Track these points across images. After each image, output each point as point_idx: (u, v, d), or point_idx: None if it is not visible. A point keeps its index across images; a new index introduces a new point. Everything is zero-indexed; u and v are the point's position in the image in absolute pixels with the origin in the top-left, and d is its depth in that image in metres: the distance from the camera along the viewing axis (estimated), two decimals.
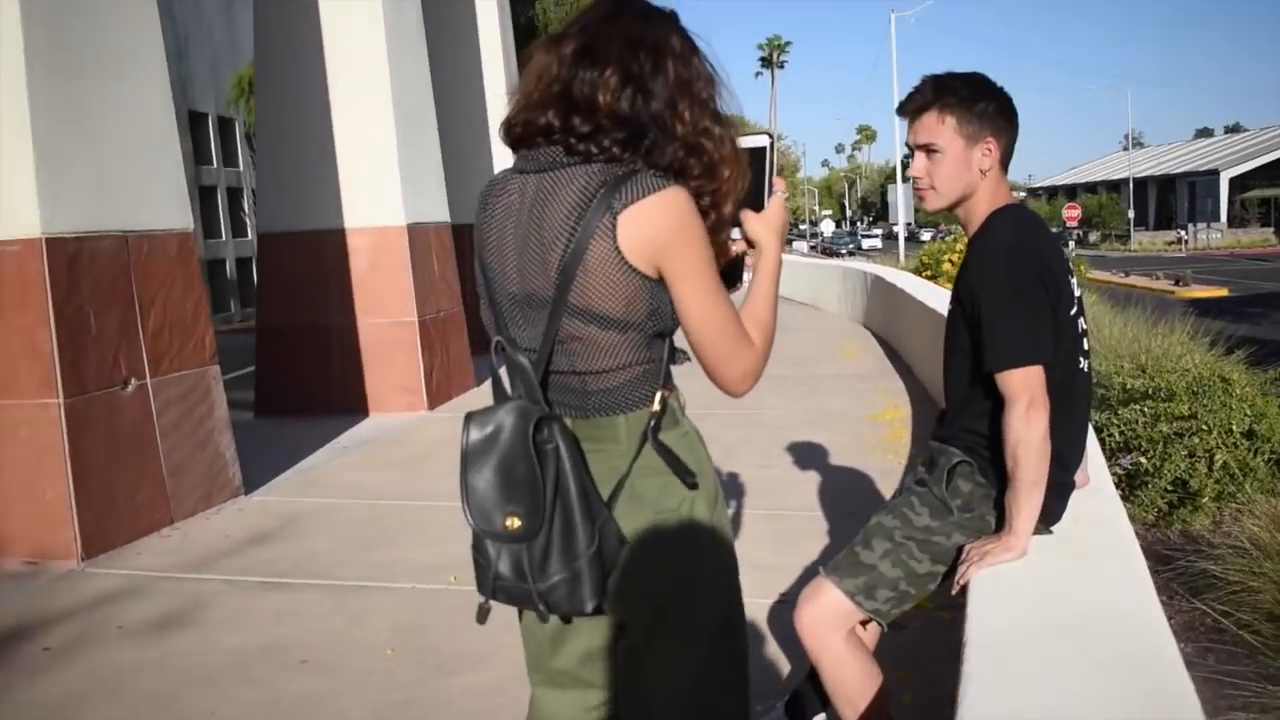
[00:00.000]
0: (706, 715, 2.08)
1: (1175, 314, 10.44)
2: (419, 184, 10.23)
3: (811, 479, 6.82)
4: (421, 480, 7.31)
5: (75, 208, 5.85)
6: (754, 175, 2.10)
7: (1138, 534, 3.52)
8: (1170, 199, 79.74)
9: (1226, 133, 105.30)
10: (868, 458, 7.21)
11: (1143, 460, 6.81)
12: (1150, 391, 7.26)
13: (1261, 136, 79.25)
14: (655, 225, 1.88)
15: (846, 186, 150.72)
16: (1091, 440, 3.81)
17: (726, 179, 2.00)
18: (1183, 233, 66.27)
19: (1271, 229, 68.33)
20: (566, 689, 2.19)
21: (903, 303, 12.20)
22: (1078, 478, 3.06)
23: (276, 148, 10.25)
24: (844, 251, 67.22)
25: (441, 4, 12.53)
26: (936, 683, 3.47)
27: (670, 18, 2.03)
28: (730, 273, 2.13)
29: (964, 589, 2.73)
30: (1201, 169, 75.43)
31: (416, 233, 10.04)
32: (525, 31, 25.78)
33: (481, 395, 9.90)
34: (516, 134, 2.02)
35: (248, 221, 33.82)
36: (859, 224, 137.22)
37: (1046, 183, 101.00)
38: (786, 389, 10.23)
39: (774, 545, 5.44)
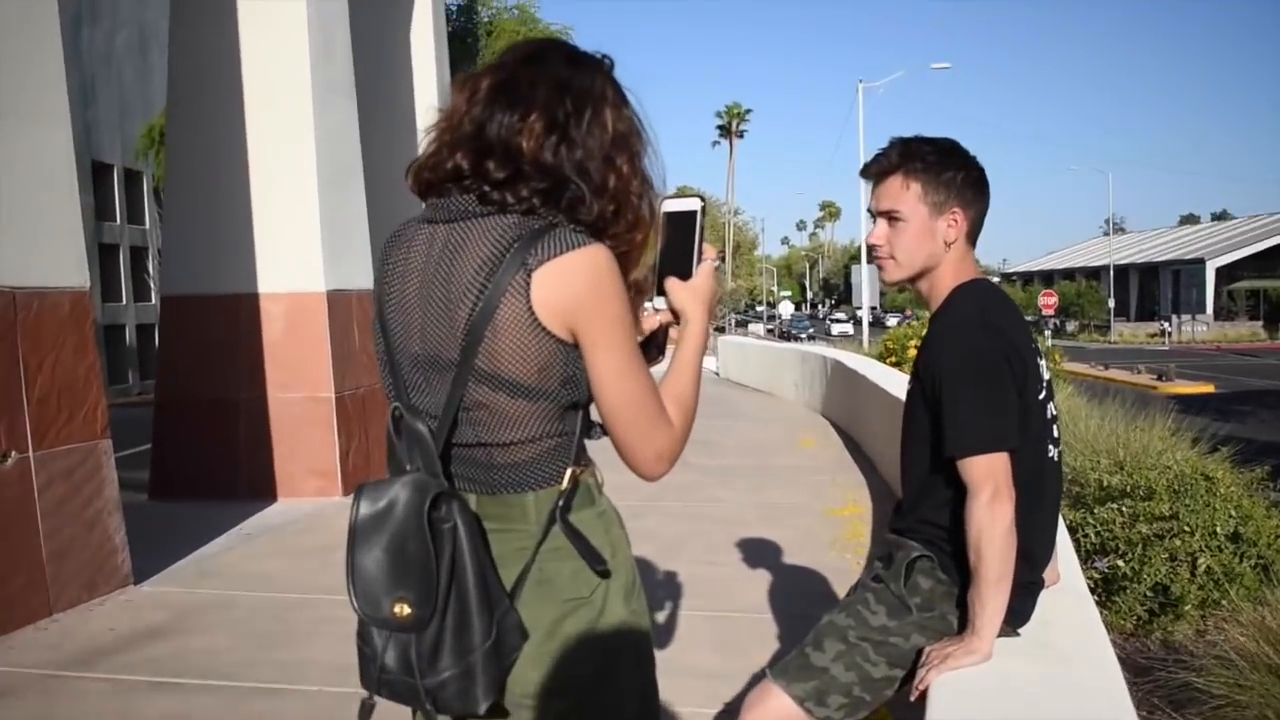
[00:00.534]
0: None
1: (1157, 409, 10.57)
2: (342, 246, 10.21)
3: (762, 578, 6.80)
4: (333, 572, 7.15)
5: None
6: (682, 241, 2.11)
7: (1115, 643, 3.54)
8: (1153, 288, 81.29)
9: (1213, 220, 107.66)
10: (823, 556, 7.20)
11: (1120, 563, 6.86)
12: (1129, 489, 7.33)
13: (1249, 225, 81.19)
14: (573, 285, 1.87)
15: (808, 266, 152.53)
16: (1062, 535, 3.84)
17: (640, 243, 2.01)
18: (1166, 324, 67.44)
19: (1260, 322, 69.73)
20: None
21: (865, 391, 12.29)
22: (1047, 575, 3.07)
23: (186, 202, 10.21)
24: (804, 336, 67.73)
25: (375, 57, 12.59)
26: None
27: (600, 65, 2.04)
28: (651, 346, 2.13)
29: (923, 695, 2.72)
30: (1186, 257, 77.04)
31: (337, 300, 10.00)
32: None
33: None
34: (424, 180, 2.01)
35: (151, 285, 33.60)
36: (820, 306, 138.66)
37: (1021, 268, 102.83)
38: (737, 481, 10.23)
39: (719, 650, 5.40)
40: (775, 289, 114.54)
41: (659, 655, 2.17)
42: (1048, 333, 48.04)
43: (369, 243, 10.69)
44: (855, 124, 41.79)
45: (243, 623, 6.18)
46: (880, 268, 3.00)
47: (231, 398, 9.82)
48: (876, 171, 2.95)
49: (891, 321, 64.39)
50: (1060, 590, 3.35)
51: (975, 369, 2.74)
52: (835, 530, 8.08)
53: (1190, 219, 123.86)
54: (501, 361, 1.88)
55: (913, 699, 2.80)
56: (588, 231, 1.92)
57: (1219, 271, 74.14)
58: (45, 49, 6.44)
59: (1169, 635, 6.61)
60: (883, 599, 2.97)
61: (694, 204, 2.14)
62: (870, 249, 3.03)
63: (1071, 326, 74.60)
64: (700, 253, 2.12)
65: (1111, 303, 72.04)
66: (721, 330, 58.09)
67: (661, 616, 5.88)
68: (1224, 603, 6.63)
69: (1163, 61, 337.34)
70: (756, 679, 4.57)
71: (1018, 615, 2.89)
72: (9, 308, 6.08)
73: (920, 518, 2.94)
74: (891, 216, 2.91)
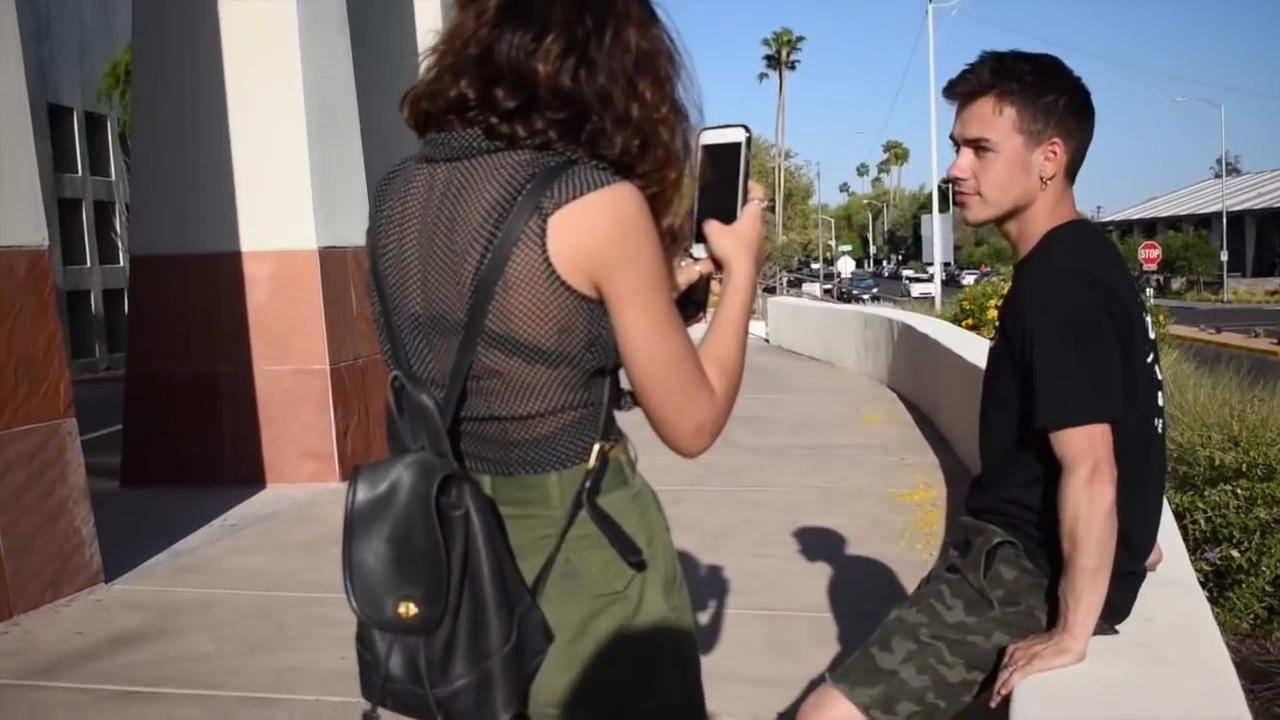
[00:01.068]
0: None
1: (1277, 377, 10.49)
2: (335, 199, 10.25)
3: (820, 572, 6.81)
4: (329, 567, 7.19)
5: None
6: (724, 179, 2.08)
7: (1229, 644, 3.53)
8: (1274, 238, 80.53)
9: None
10: (891, 547, 7.21)
11: (1235, 554, 6.82)
12: (1245, 468, 7.27)
13: None
14: (596, 230, 1.84)
15: (870, 216, 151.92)
16: (1167, 521, 3.82)
17: (673, 182, 1.98)
18: None
19: None
20: None
21: (938, 358, 12.25)
22: (1148, 561, 3.06)
23: (157, 151, 10.26)
24: (867, 298, 67.58)
25: None
26: None
27: None
28: (689, 303, 2.12)
29: (1006, 701, 2.72)
30: None
31: (331, 259, 10.05)
32: None
33: None
34: (422, 111, 1.98)
35: (119, 245, 33.84)
36: (885, 262, 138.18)
37: (1119, 216, 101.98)
38: (792, 462, 10.25)
39: (771, 654, 5.42)
40: (833, 243, 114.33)
41: (703, 660, 2.16)
42: (1150, 290, 47.74)
43: (366, 193, 10.69)
44: (925, 52, 41.49)
45: (227, 624, 6.24)
46: (963, 205, 2.94)
47: (212, 371, 9.89)
48: (964, 91, 2.89)
49: (968, 279, 64.18)
50: (1164, 580, 3.33)
51: (1074, 326, 2.71)
52: (904, 518, 8.08)
53: None
54: (515, 321, 1.86)
55: (993, 705, 2.79)
56: (612, 169, 1.90)
57: None
58: None
59: None
60: (960, 592, 2.96)
61: (737, 135, 2.10)
62: (952, 183, 2.98)
63: (1178, 283, 74.07)
64: (746, 192, 2.09)
65: (1225, 255, 71.35)
66: (771, 291, 58.01)
67: (705, 616, 5.89)
68: None
69: None
70: (814, 685, 4.57)
71: (1116, 610, 2.87)
72: None
73: (1003, 496, 2.93)
74: (980, 145, 2.86)
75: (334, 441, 9.87)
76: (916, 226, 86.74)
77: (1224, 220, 73.62)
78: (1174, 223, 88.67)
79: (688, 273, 2.11)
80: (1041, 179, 2.85)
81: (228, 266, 9.86)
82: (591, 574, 1.95)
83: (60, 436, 6.69)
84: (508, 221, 1.84)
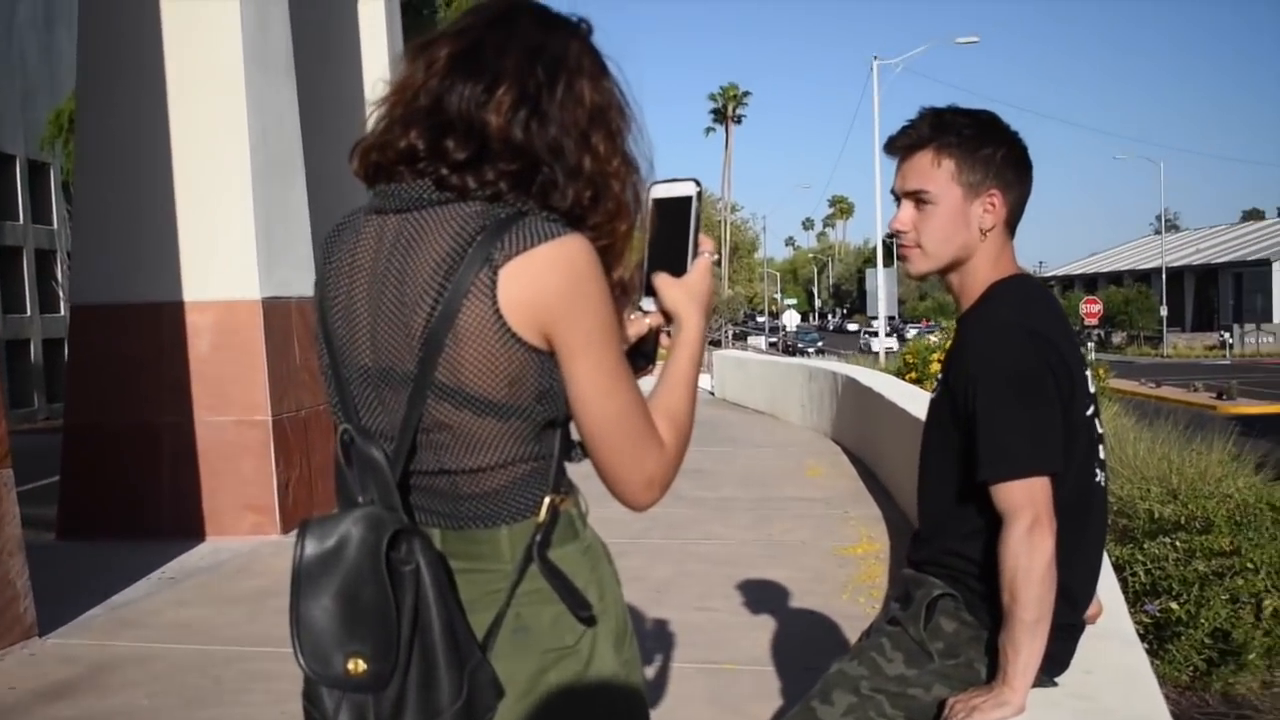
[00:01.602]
0: None
1: (1216, 431, 10.61)
2: (280, 248, 10.21)
3: (764, 625, 6.79)
4: (269, 620, 7.18)
5: None
6: (674, 232, 2.09)
7: (1168, 697, 3.55)
8: (1212, 294, 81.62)
9: None
10: (834, 600, 7.21)
11: (1174, 606, 6.88)
12: (1184, 521, 7.35)
13: None
14: (546, 282, 1.84)
15: (815, 270, 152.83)
16: (1107, 573, 3.84)
17: (623, 234, 1.99)
18: (1226, 335, 67.64)
19: None
20: None
21: (882, 412, 12.30)
22: (1088, 614, 3.07)
23: (100, 199, 10.20)
24: (812, 351, 67.83)
25: (318, 28, 12.60)
26: None
27: (577, 29, 2.02)
28: (639, 355, 2.11)
29: None
30: (1250, 258, 77.34)
31: (274, 309, 10.00)
32: None
33: None
34: (372, 162, 1.98)
35: (60, 294, 33.58)
36: (830, 315, 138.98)
37: (1061, 271, 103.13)
38: (735, 515, 10.25)
39: (714, 707, 5.40)
40: (779, 297, 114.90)
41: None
42: (1091, 345, 48.21)
43: (311, 244, 10.67)
44: (869, 108, 41.95)
45: (165, 679, 6.16)
46: (905, 258, 2.97)
47: (152, 422, 9.79)
48: (904, 145, 2.92)
49: (911, 333, 64.35)
50: (1104, 633, 3.35)
51: (1017, 380, 2.73)
52: (848, 571, 8.08)
53: (1254, 214, 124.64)
54: (465, 374, 1.85)
55: None
56: (563, 221, 1.90)
57: None
58: None
59: (1230, 688, 6.63)
60: (900, 644, 2.97)
61: (688, 189, 2.12)
62: (895, 236, 3.01)
63: (1118, 338, 74.83)
64: (696, 245, 2.10)
65: (1164, 310, 72.17)
66: (717, 344, 58.13)
67: (649, 670, 5.87)
68: None
69: (1222, 36, 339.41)
70: None
71: (1056, 662, 2.88)
72: None
73: (943, 548, 2.93)
74: (920, 198, 2.89)
75: (275, 493, 9.78)
76: (861, 280, 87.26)
77: (1164, 276, 74.53)
78: (1115, 278, 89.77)
79: (637, 325, 2.11)
80: (981, 231, 2.87)
81: (169, 316, 9.78)
82: (542, 629, 1.94)
83: None
84: (458, 273, 1.84)
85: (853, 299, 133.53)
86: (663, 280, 2.07)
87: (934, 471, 2.97)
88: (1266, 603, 6.78)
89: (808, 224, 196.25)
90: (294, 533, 1.92)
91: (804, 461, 13.97)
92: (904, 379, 16.35)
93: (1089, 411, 2.89)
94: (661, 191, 2.12)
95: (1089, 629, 3.09)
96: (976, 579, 2.86)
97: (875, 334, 78.14)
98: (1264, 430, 16.55)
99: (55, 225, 34.84)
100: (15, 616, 6.70)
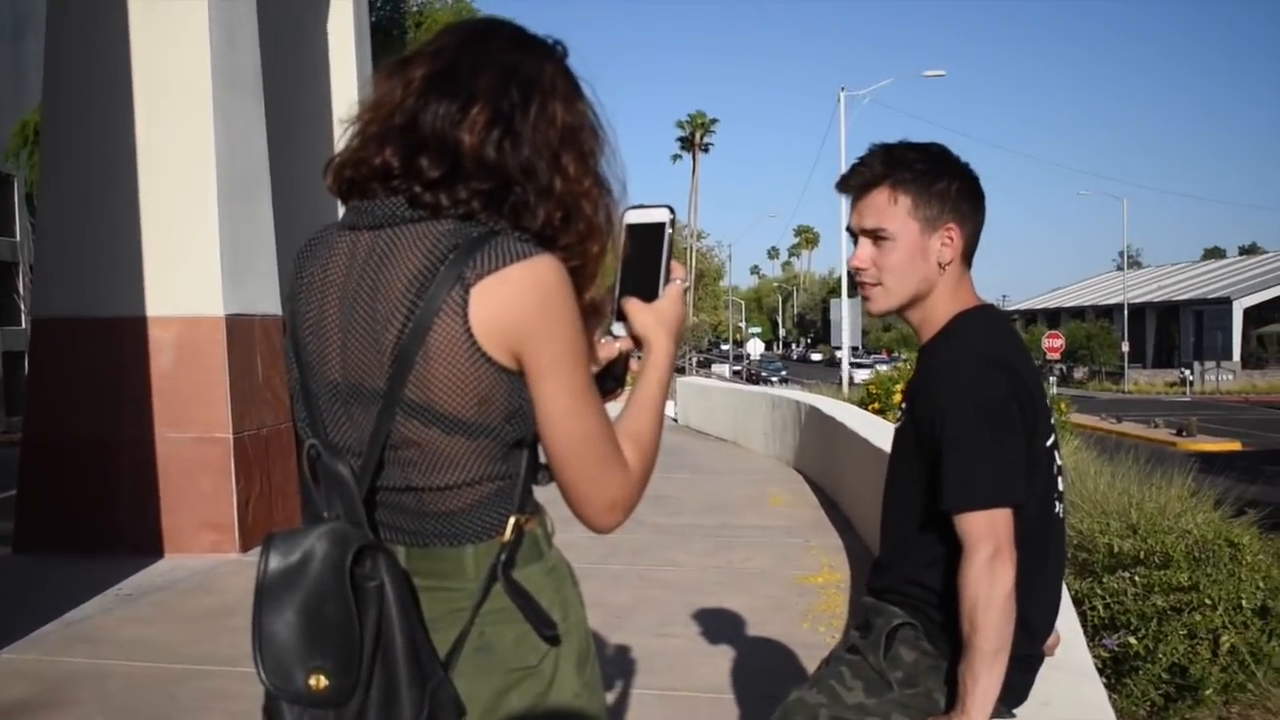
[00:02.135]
0: None
1: (1175, 468, 10.65)
2: (244, 265, 10.18)
3: (723, 653, 6.79)
4: (228, 639, 7.13)
5: None
6: (647, 257, 2.11)
7: None
8: (1173, 330, 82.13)
9: (1241, 254, 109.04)
10: (794, 629, 7.22)
11: (1132, 641, 6.90)
12: (1142, 556, 7.37)
13: None
14: (517, 302, 1.85)
15: (780, 300, 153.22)
16: (1066, 606, 3.86)
17: (595, 255, 2.00)
18: (1187, 372, 68.05)
19: None
20: None
21: (844, 441, 12.33)
22: (1047, 645, 3.08)
23: (64, 212, 10.15)
24: (775, 380, 67.88)
25: (287, 46, 12.59)
26: None
27: (551, 50, 2.03)
28: (608, 378, 2.12)
29: None
30: (1211, 296, 77.98)
31: (237, 326, 9.96)
32: None
33: None
34: (346, 178, 1.99)
35: (21, 306, 33.40)
36: (794, 345, 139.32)
37: (1024, 305, 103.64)
38: (697, 542, 10.25)
39: None
40: (743, 325, 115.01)
41: None
42: (1053, 379, 48.44)
43: (276, 262, 10.65)
44: (836, 138, 42.09)
45: (119, 696, 6.11)
46: (866, 297, 2.98)
47: (112, 437, 9.73)
48: (858, 184, 2.93)
49: (881, 366, 64.22)
50: (1062, 666, 3.36)
51: (982, 411, 2.74)
52: (808, 600, 8.09)
53: (1215, 253, 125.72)
54: (435, 391, 1.86)
55: None
56: (535, 241, 1.91)
57: (1247, 313, 75.06)
58: None
59: None
60: (860, 673, 2.97)
61: (661, 215, 2.14)
62: (853, 274, 3.02)
63: (1080, 373, 75.14)
64: (668, 272, 2.12)
65: (1125, 346, 72.61)
66: (681, 371, 58.15)
67: (609, 695, 5.84)
68: (1250, 686, 6.67)
69: (1186, 75, 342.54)
70: None
71: (1014, 693, 2.89)
72: None
73: (904, 577, 2.94)
74: (878, 235, 2.90)
75: (235, 511, 9.72)
76: (825, 310, 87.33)
77: (1125, 312, 75.05)
78: (1077, 313, 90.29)
79: (607, 349, 2.12)
80: (940, 264, 2.89)
81: (132, 331, 9.73)
82: (505, 648, 1.95)
83: None
84: (430, 291, 1.85)
85: (817, 329, 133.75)
86: (634, 305, 2.09)
87: (897, 500, 2.98)
88: (1224, 639, 6.81)
89: (773, 253, 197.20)
90: (253, 552, 1.92)
91: (766, 490, 13.99)
92: (867, 409, 16.40)
93: (1049, 442, 2.90)
94: (635, 217, 2.13)
95: (1048, 661, 3.10)
96: (936, 608, 2.87)
97: (859, 364, 77.03)
98: (1224, 468, 16.61)
99: (18, 237, 34.60)
100: None
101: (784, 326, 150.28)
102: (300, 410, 2.05)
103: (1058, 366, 56.85)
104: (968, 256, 2.95)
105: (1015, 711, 2.95)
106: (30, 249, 31.90)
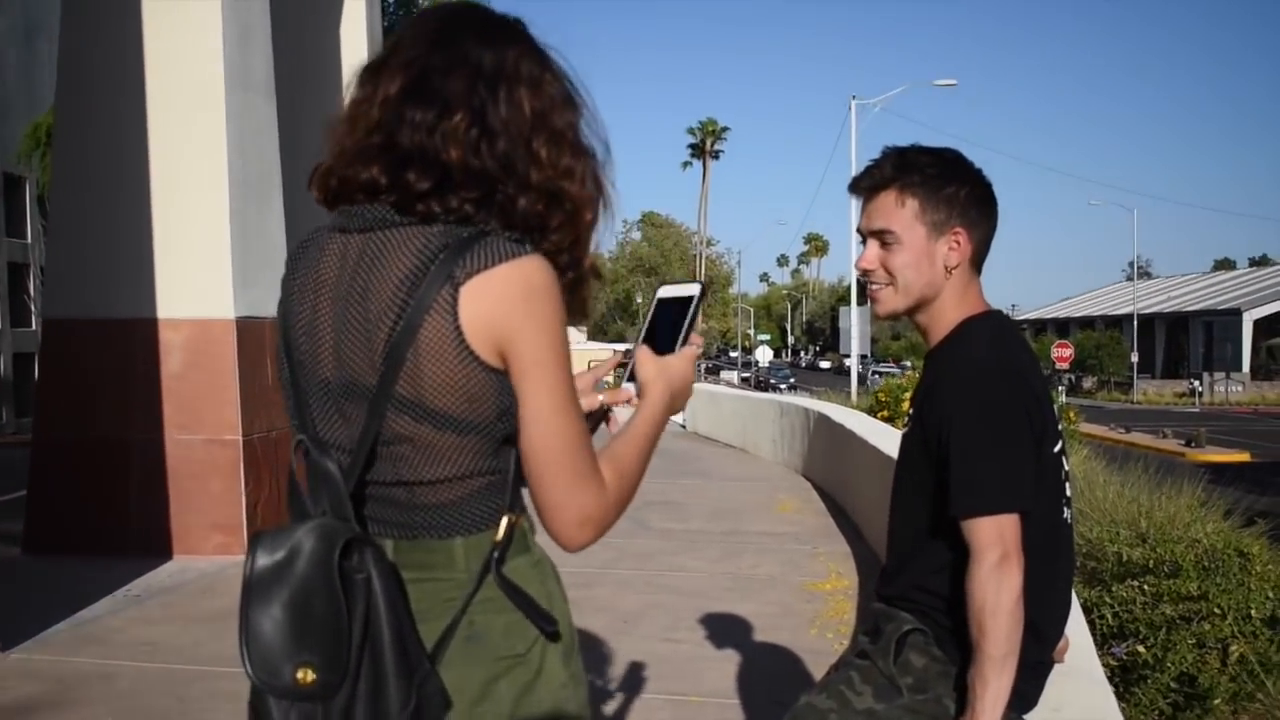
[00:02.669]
0: None
1: (1184, 478, 10.64)
2: (255, 267, 10.18)
3: (730, 659, 6.79)
4: (233, 641, 7.07)
5: None
6: (670, 323, 2.13)
7: None
8: (1182, 341, 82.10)
9: (1251, 265, 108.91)
10: (802, 635, 7.21)
11: (1141, 649, 6.89)
12: (1151, 565, 7.37)
13: None
14: (503, 300, 1.86)
15: (789, 307, 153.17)
16: (1075, 614, 3.85)
17: (589, 223, 2.02)
18: (1196, 383, 67.99)
19: None
20: None
21: (853, 448, 12.32)
22: (1056, 652, 3.08)
23: (75, 214, 10.18)
24: (784, 387, 67.89)
25: (299, 51, 12.60)
26: None
27: (513, 29, 2.04)
28: (590, 417, 2.14)
29: None
30: (1220, 307, 77.87)
31: (248, 328, 9.97)
32: None
33: None
34: (332, 188, 2.01)
35: (33, 308, 33.45)
36: (803, 352, 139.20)
37: (1033, 315, 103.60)
38: (704, 548, 10.25)
39: None
40: (752, 332, 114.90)
41: None
42: (1061, 388, 48.42)
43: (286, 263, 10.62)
44: (846, 146, 42.05)
45: (128, 697, 6.12)
46: (874, 298, 2.98)
47: (122, 439, 9.75)
48: (868, 186, 2.93)
49: (893, 372, 64.14)
50: (1072, 672, 3.35)
51: (991, 417, 2.73)
52: (816, 606, 8.08)
53: (1225, 264, 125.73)
54: (426, 388, 1.87)
55: None
56: (524, 235, 1.92)
57: (1257, 324, 75.01)
58: None
59: None
60: (869, 678, 2.96)
61: (693, 290, 2.16)
62: (861, 275, 3.03)
63: (1089, 383, 75.14)
64: (688, 337, 2.14)
65: (1135, 357, 72.55)
66: None
67: (614, 700, 5.86)
68: (1260, 696, 6.66)
69: (1198, 86, 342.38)
70: None
71: (1024, 699, 2.88)
72: None
73: (913, 583, 2.93)
74: (884, 238, 2.90)
75: (244, 513, 9.74)
76: (834, 318, 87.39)
77: (1135, 322, 74.96)
78: (1087, 323, 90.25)
79: (590, 400, 2.14)
80: (946, 269, 2.88)
81: (142, 333, 9.75)
82: (494, 637, 1.95)
83: None
84: (420, 289, 1.86)
85: (826, 336, 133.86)
86: (644, 353, 2.11)
87: (904, 506, 2.97)
88: (1233, 648, 6.80)
89: (783, 260, 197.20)
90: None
91: (774, 496, 14.00)
92: (876, 416, 16.38)
93: (1056, 448, 2.89)
94: (668, 292, 2.17)
95: (1058, 667, 3.09)
96: (945, 614, 2.86)
97: (881, 371, 76.62)
98: (1233, 478, 16.60)
99: (30, 239, 34.68)
100: None
101: (793, 334, 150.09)
102: (290, 408, 2.06)
103: (1066, 376, 56.82)
104: (976, 262, 2.94)
105: (1025, 717, 2.94)
106: (41, 251, 31.96)
